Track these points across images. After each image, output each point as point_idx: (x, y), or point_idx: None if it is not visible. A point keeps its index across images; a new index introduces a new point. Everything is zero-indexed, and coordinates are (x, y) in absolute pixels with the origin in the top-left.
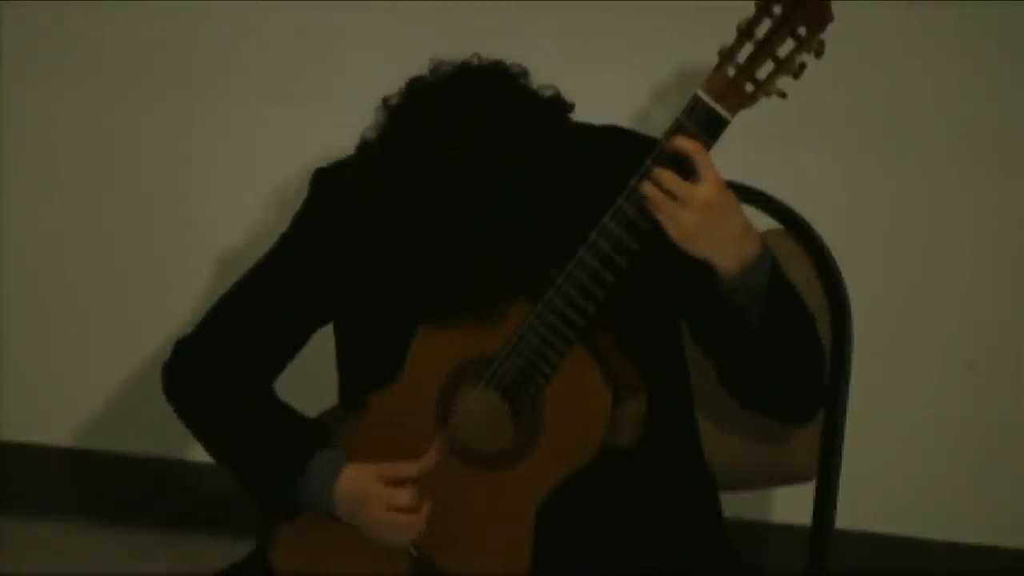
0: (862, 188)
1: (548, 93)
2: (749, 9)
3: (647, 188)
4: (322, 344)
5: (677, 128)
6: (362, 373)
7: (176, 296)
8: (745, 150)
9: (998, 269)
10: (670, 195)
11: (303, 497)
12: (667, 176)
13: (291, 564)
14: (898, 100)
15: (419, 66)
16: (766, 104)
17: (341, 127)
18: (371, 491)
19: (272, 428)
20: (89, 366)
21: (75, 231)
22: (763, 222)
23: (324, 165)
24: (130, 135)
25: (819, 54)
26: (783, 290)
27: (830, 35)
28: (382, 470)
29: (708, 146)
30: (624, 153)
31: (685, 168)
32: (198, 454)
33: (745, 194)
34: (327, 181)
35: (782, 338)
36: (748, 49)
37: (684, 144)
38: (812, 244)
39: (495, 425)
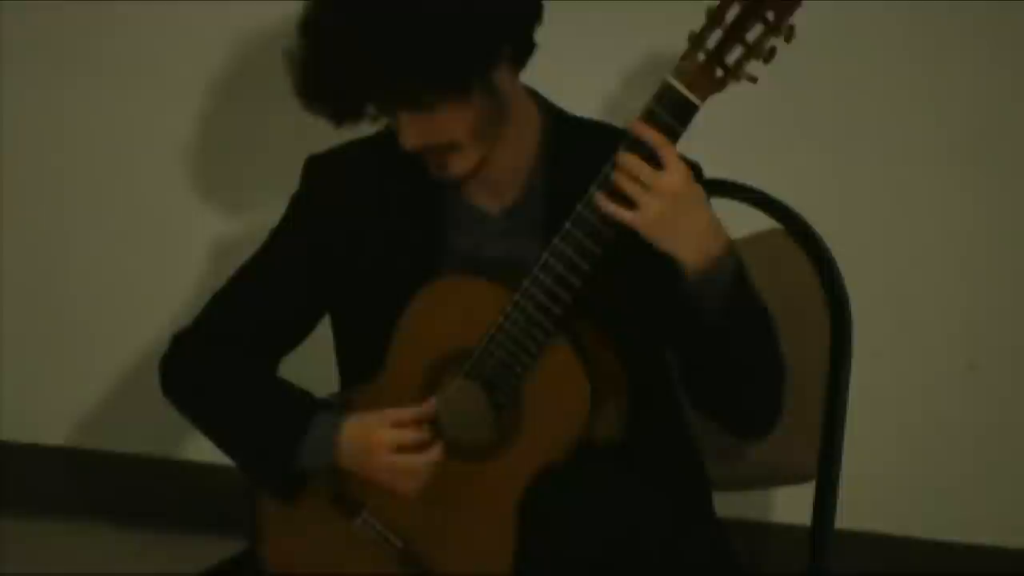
0: (862, 188)
1: None
2: None
3: (615, 174)
4: (322, 339)
5: (647, 115)
6: (359, 366)
7: (176, 296)
8: (745, 150)
9: (998, 269)
10: (636, 181)
11: (308, 453)
12: (634, 161)
13: (282, 563)
14: (898, 100)
15: None
16: (766, 104)
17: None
18: (376, 433)
19: (274, 394)
20: (89, 366)
21: (73, 230)
22: (763, 222)
23: (315, 153)
24: (128, 134)
25: (788, 38)
26: (746, 297)
27: (829, 34)
28: (385, 415)
29: (679, 133)
30: (601, 147)
31: (653, 163)
32: (198, 453)
33: (745, 194)
34: (319, 168)
35: (737, 344)
36: (717, 35)
37: (648, 134)
38: (812, 244)
39: (476, 416)
